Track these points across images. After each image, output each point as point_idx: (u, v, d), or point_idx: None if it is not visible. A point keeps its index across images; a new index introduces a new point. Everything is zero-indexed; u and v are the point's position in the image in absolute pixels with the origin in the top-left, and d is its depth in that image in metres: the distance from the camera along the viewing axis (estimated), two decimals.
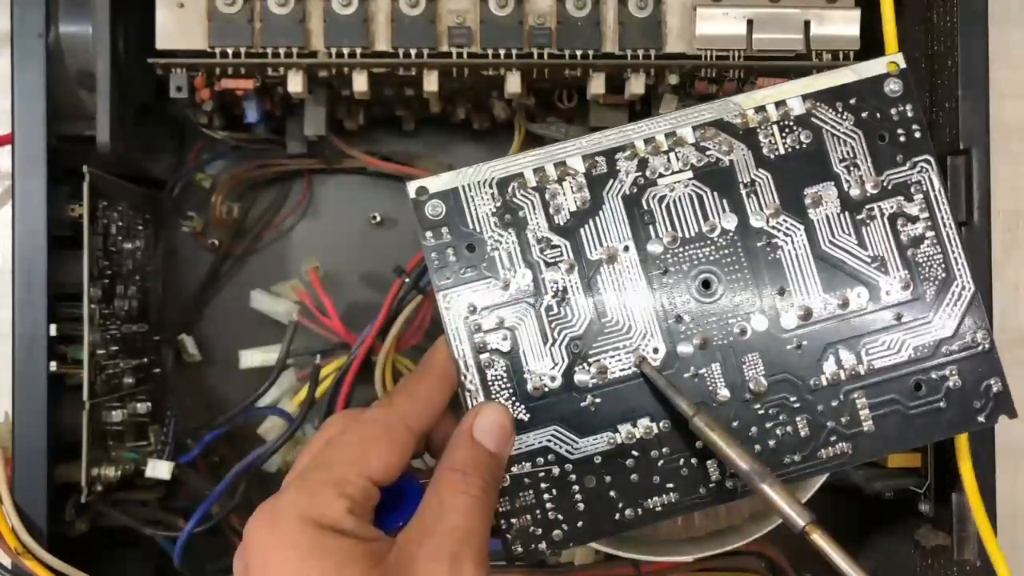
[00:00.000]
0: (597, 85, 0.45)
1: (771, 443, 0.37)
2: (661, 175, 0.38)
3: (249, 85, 0.44)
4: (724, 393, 0.37)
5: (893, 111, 0.38)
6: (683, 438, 0.37)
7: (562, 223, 0.37)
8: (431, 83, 0.44)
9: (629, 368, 0.37)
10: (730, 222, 0.38)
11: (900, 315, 0.38)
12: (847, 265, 0.38)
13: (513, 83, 0.44)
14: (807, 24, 0.43)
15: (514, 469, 0.36)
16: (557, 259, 0.37)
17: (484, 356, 0.37)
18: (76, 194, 0.43)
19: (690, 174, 0.38)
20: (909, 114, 0.38)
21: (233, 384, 0.53)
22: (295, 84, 0.43)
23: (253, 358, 0.52)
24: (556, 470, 0.37)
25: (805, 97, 0.38)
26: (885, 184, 0.38)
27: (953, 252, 0.38)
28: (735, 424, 0.37)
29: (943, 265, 0.38)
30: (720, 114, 0.38)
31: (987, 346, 0.38)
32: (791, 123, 0.38)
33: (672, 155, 0.38)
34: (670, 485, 0.37)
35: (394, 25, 0.43)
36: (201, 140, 0.52)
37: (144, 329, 0.50)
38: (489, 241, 0.37)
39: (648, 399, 0.37)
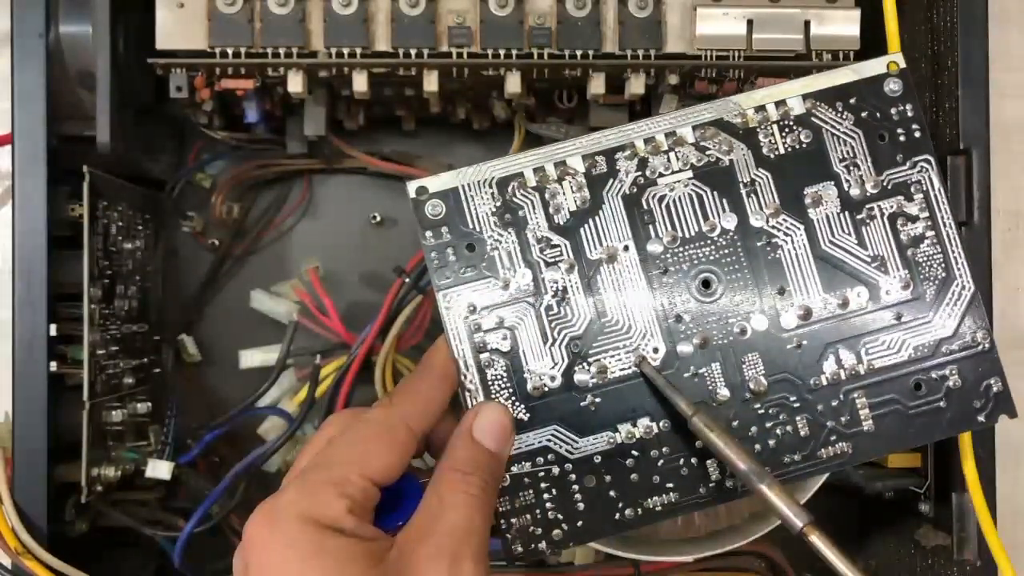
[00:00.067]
0: (597, 85, 0.45)
1: (771, 443, 0.37)
2: (661, 175, 0.38)
3: (249, 85, 0.44)
4: (724, 393, 0.37)
5: (893, 111, 0.38)
6: (683, 438, 0.37)
7: (562, 223, 0.37)
8: (431, 83, 0.44)
9: (629, 368, 0.37)
10: (730, 222, 0.38)
11: (900, 315, 0.38)
12: (847, 265, 0.38)
13: (513, 83, 0.44)
14: (807, 24, 0.43)
15: (514, 469, 0.36)
16: (557, 259, 0.37)
17: (484, 356, 0.37)
18: (76, 194, 0.43)
19: (690, 174, 0.38)
20: (909, 114, 0.38)
21: (233, 384, 0.53)
22: (295, 84, 0.43)
23: (253, 358, 0.52)
24: (556, 470, 0.37)
25: (805, 97, 0.38)
26: (885, 184, 0.38)
27: (953, 252, 0.38)
28: (735, 424, 0.37)
29: (943, 265, 0.38)
30: (720, 114, 0.38)
31: (987, 346, 0.38)
32: (791, 123, 0.38)
33: (672, 155, 0.38)
34: (670, 485, 0.37)
35: (394, 25, 0.43)
36: (201, 140, 0.52)
37: (144, 329, 0.50)
38: (489, 241, 0.37)
39: (648, 399, 0.37)
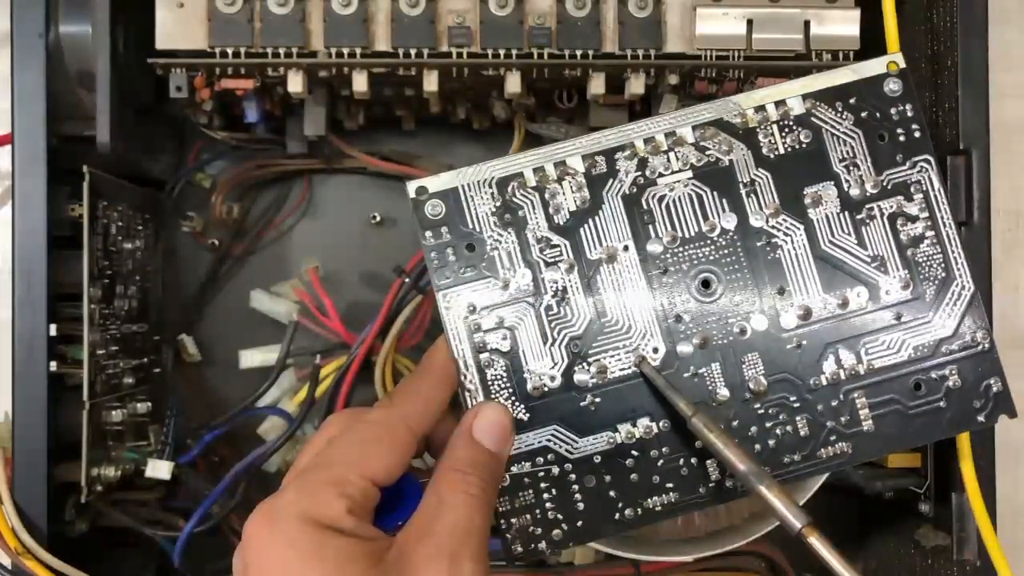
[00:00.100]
0: (597, 85, 0.45)
1: (771, 443, 0.37)
2: (661, 175, 0.38)
3: (249, 85, 0.44)
4: (724, 393, 0.37)
5: (893, 111, 0.38)
6: (683, 438, 0.37)
7: (562, 223, 0.37)
8: (431, 83, 0.44)
9: (629, 368, 0.37)
10: (730, 222, 0.38)
11: (900, 315, 0.38)
12: (847, 265, 0.38)
13: (513, 83, 0.44)
14: (807, 24, 0.43)
15: (514, 469, 0.36)
16: (557, 259, 0.37)
17: (484, 356, 0.37)
18: (76, 194, 0.43)
19: (690, 174, 0.38)
20: (909, 114, 0.38)
21: (233, 384, 0.53)
22: (295, 84, 0.43)
23: (253, 358, 0.52)
24: (556, 470, 0.37)
25: (805, 97, 0.38)
26: (885, 184, 0.38)
27: (953, 252, 0.38)
28: (735, 424, 0.37)
29: (943, 265, 0.38)
30: (720, 114, 0.38)
31: (987, 346, 0.38)
32: (791, 123, 0.38)
33: (672, 155, 0.38)
34: (670, 485, 0.37)
35: (394, 25, 0.43)
36: (201, 140, 0.52)
37: (144, 329, 0.50)
38: (489, 241, 0.37)
39: (648, 399, 0.37)
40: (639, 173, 0.38)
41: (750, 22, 0.43)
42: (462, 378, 0.36)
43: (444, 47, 0.43)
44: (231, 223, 0.53)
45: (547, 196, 0.37)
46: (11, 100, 0.42)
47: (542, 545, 0.36)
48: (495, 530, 0.35)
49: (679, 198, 0.38)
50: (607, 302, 0.37)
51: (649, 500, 0.37)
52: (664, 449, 0.37)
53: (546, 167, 0.37)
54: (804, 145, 0.38)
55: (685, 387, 0.37)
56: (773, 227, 0.38)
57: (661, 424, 0.37)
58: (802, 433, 0.37)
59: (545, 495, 0.36)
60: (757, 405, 0.37)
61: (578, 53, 0.43)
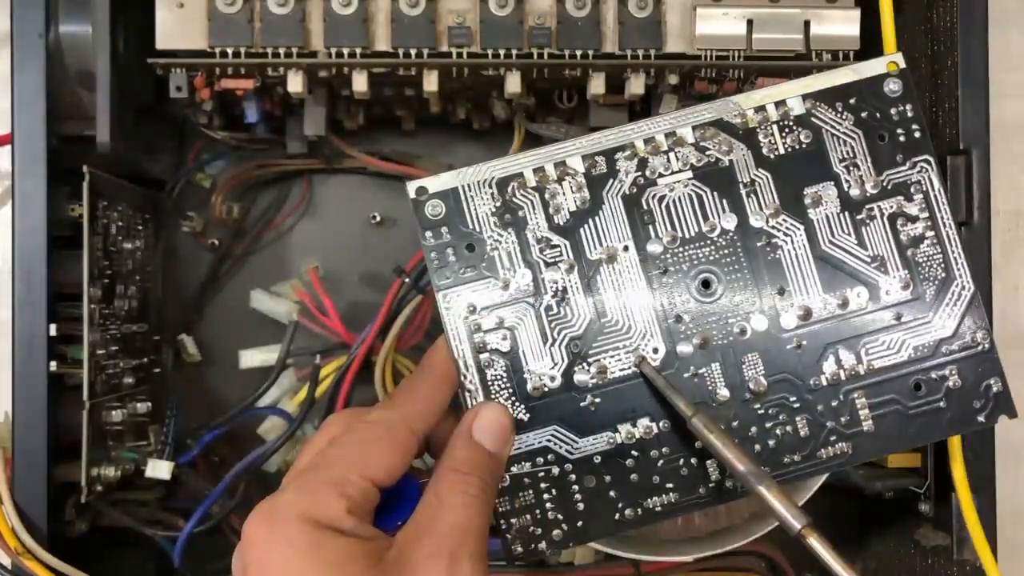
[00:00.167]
0: (597, 85, 0.45)
1: (771, 443, 0.37)
2: (661, 175, 0.38)
3: (249, 85, 0.44)
4: (724, 393, 0.37)
5: (893, 111, 0.38)
6: (683, 438, 0.37)
7: (562, 223, 0.37)
8: (431, 83, 0.44)
9: (629, 368, 0.37)
10: (730, 222, 0.38)
11: (900, 315, 0.38)
12: (847, 265, 0.38)
13: (513, 83, 0.44)
14: (807, 24, 0.43)
15: (514, 469, 0.36)
16: (557, 259, 0.37)
17: (484, 356, 0.37)
18: (76, 194, 0.43)
19: (690, 174, 0.38)
20: (909, 114, 0.38)
21: (233, 384, 0.53)
22: (295, 84, 0.43)
23: (253, 358, 0.52)
24: (556, 470, 0.37)
25: (805, 97, 0.38)
26: (885, 184, 0.38)
27: (953, 252, 0.38)
28: (735, 424, 0.37)
29: (943, 265, 0.38)
30: (720, 114, 0.38)
31: (987, 346, 0.38)
32: (791, 123, 0.38)
33: (672, 155, 0.38)
34: (670, 485, 0.37)
35: (394, 25, 0.43)
36: (201, 140, 0.52)
37: (144, 329, 0.50)
38: (489, 241, 0.37)
39: (648, 399, 0.37)
40: (639, 173, 0.38)
41: (750, 22, 0.43)
42: (462, 378, 0.36)
43: (444, 47, 0.43)
44: (231, 223, 0.53)
45: (547, 196, 0.37)
46: (11, 100, 0.42)
47: (542, 545, 0.36)
48: (495, 530, 0.35)
49: (679, 198, 0.38)
50: (607, 302, 0.37)
51: (649, 500, 0.37)
52: (664, 449, 0.37)
53: (546, 167, 0.37)
54: (804, 145, 0.38)
55: (685, 387, 0.37)
56: (773, 227, 0.38)
57: (661, 424, 0.37)
58: (802, 433, 0.37)
59: (545, 495, 0.36)
60: (757, 405, 0.37)
61: (578, 53, 0.43)
